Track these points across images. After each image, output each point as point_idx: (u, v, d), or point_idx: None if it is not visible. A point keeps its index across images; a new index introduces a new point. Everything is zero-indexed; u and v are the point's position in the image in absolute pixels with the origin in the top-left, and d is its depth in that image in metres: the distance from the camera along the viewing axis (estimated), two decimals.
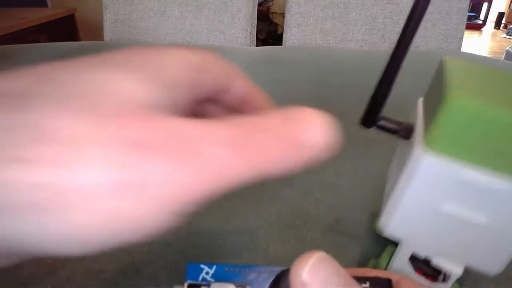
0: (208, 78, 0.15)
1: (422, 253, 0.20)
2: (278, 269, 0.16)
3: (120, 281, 0.25)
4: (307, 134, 0.13)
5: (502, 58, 2.60)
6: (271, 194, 0.34)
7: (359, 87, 0.61)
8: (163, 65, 0.13)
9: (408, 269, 0.21)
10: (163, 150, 0.10)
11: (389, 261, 0.22)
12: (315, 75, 0.66)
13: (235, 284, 0.16)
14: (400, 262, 0.21)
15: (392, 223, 0.19)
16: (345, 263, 0.26)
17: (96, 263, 0.26)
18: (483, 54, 3.75)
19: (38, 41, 1.62)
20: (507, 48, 2.79)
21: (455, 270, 0.19)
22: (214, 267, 0.17)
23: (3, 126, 0.09)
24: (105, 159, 0.10)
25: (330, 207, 0.32)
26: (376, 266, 0.24)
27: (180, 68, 0.13)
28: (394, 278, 0.16)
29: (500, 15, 4.90)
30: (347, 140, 0.48)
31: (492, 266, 0.20)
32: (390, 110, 0.57)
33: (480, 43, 4.32)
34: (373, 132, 0.49)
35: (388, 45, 0.95)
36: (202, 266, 0.17)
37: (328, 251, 0.27)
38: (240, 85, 0.18)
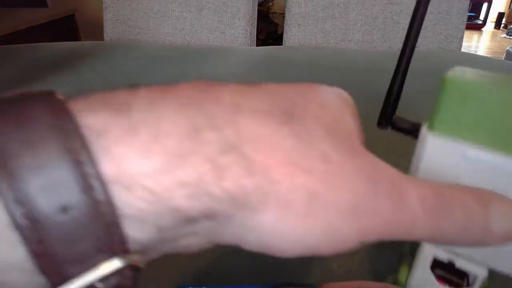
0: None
1: (444, 256, 0.19)
2: (270, 285, 0.15)
3: None
4: (496, 222, 0.13)
5: (502, 58, 2.60)
6: None
7: (359, 87, 0.61)
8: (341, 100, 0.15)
9: (431, 278, 0.19)
10: (382, 186, 0.12)
11: (408, 274, 0.21)
12: (315, 75, 0.66)
13: None
14: (422, 271, 0.19)
15: None
16: (346, 266, 0.26)
17: None
18: (483, 54, 3.75)
19: (38, 41, 1.62)
20: (507, 48, 2.79)
21: (480, 271, 0.18)
22: None
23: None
24: (354, 185, 0.12)
25: None
26: (395, 282, 0.22)
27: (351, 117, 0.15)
28: None
29: (500, 15, 4.90)
30: None
31: None
32: None
33: (480, 43, 4.32)
34: (373, 132, 0.49)
35: (388, 45, 0.95)
36: None
37: (335, 258, 0.27)
38: None
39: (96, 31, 1.37)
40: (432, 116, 0.18)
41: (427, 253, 0.19)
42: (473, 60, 0.82)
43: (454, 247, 0.18)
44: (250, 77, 0.64)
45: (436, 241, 0.13)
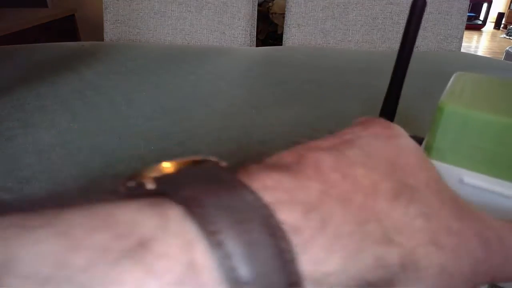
0: None
1: None
2: None
3: None
4: None
5: (502, 59, 2.60)
6: None
7: (359, 87, 0.61)
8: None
9: None
10: (493, 244, 0.13)
11: None
12: (315, 75, 0.66)
13: None
14: None
15: None
16: None
17: None
18: (483, 55, 3.75)
19: (38, 41, 1.62)
20: (507, 48, 2.79)
21: None
22: None
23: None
24: (474, 253, 0.13)
25: None
26: None
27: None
28: None
29: (500, 16, 4.90)
30: None
31: None
32: None
33: (480, 44, 4.32)
34: None
35: (388, 45, 0.95)
36: None
37: None
38: None
39: (96, 31, 1.37)
40: (428, 141, 0.18)
41: None
42: (473, 61, 0.82)
43: None
44: (250, 77, 0.64)
45: None
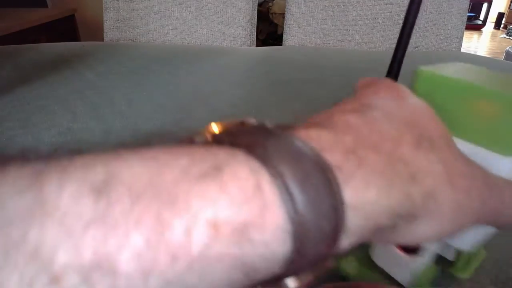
0: None
1: None
2: None
3: None
4: None
5: (502, 59, 2.60)
6: None
7: None
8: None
9: (391, 247, 0.23)
10: (495, 190, 0.16)
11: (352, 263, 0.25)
12: (315, 75, 0.66)
13: None
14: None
15: (471, 239, 0.20)
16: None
17: None
18: (483, 55, 3.75)
19: (38, 41, 1.62)
20: (507, 48, 2.79)
21: (430, 245, 0.22)
22: None
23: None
24: (481, 194, 0.16)
25: None
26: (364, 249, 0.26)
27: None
28: None
29: (500, 16, 4.90)
30: None
31: (467, 243, 0.21)
32: None
33: (480, 43, 4.32)
34: None
35: (388, 45, 0.95)
36: None
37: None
38: None
39: (96, 31, 1.37)
40: None
41: None
42: (473, 61, 0.82)
43: None
44: (250, 77, 0.64)
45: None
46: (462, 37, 0.95)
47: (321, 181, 0.11)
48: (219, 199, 0.10)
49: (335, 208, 0.11)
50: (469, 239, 0.20)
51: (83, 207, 0.09)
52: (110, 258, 0.09)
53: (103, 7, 1.00)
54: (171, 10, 0.98)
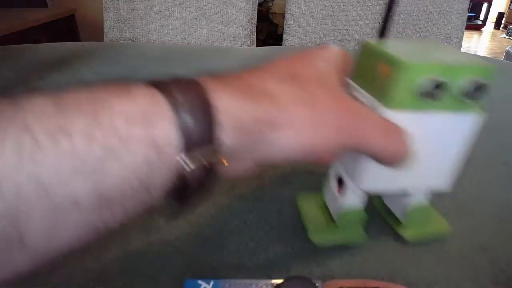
0: (347, 67, 0.25)
1: (340, 174, 0.28)
2: (272, 282, 0.15)
3: (120, 281, 0.25)
4: (399, 144, 0.22)
5: (502, 59, 2.60)
6: (271, 194, 0.34)
7: None
8: (332, 64, 0.23)
9: (332, 185, 0.29)
10: (352, 112, 0.21)
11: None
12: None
13: None
14: (330, 183, 0.29)
15: (367, 179, 0.25)
16: (348, 265, 0.26)
17: (96, 263, 0.26)
18: (483, 54, 3.75)
19: (38, 41, 1.61)
20: (507, 48, 2.79)
21: (354, 187, 0.26)
22: (212, 283, 0.16)
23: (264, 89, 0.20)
24: (336, 112, 0.20)
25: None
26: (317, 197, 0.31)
27: (338, 65, 0.24)
28: None
29: (500, 16, 4.90)
30: None
31: (444, 183, 0.27)
32: None
33: (480, 43, 4.32)
34: None
35: None
36: (200, 282, 0.17)
37: (327, 252, 0.27)
38: None
39: (96, 31, 1.37)
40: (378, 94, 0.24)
41: (333, 171, 0.29)
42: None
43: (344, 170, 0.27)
44: None
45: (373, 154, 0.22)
46: (462, 37, 0.95)
47: (199, 95, 0.17)
48: (132, 103, 0.16)
49: (208, 109, 0.17)
50: (368, 180, 0.25)
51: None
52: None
53: (103, 7, 1.00)
54: (171, 10, 0.98)
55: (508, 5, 4.88)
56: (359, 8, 0.95)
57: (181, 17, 0.98)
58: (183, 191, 0.17)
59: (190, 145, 0.16)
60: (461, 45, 0.96)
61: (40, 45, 0.84)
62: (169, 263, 0.26)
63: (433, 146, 0.25)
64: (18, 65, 0.68)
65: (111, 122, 0.15)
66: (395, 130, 0.22)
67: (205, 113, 0.17)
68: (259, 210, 0.31)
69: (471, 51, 3.77)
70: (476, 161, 0.40)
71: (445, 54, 0.24)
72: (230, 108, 0.17)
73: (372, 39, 0.25)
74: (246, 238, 0.28)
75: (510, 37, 4.33)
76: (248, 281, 0.16)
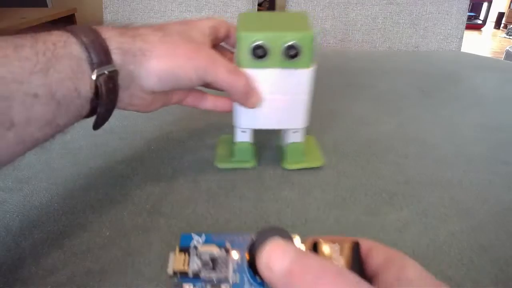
0: (221, 31, 0.34)
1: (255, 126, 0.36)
2: (252, 234, 0.18)
3: (120, 281, 0.25)
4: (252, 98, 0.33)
5: (502, 58, 2.60)
6: (271, 194, 0.34)
7: (359, 87, 0.61)
8: (202, 27, 0.32)
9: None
10: (204, 52, 0.30)
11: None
12: (315, 75, 0.66)
13: (218, 247, 0.19)
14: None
15: (240, 120, 0.35)
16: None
17: (96, 263, 0.26)
18: (483, 54, 3.74)
19: None
20: (507, 48, 2.79)
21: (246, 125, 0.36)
22: (203, 236, 0.20)
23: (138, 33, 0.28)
24: (190, 49, 0.29)
25: (330, 207, 0.32)
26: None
27: (207, 28, 0.33)
28: (365, 244, 0.18)
29: (500, 15, 4.89)
30: (348, 139, 0.48)
31: (299, 123, 0.35)
32: (391, 106, 0.57)
33: (480, 43, 4.32)
34: (373, 132, 0.49)
35: (388, 45, 0.95)
36: (193, 235, 0.20)
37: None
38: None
39: None
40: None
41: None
42: (473, 60, 0.82)
43: None
44: None
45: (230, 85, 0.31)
46: (462, 37, 0.95)
47: (96, 36, 0.25)
48: (56, 38, 0.24)
49: (101, 40, 0.25)
50: (241, 121, 0.35)
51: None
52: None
53: (103, 7, 1.00)
54: (171, 10, 0.98)
55: (508, 5, 4.88)
56: (359, 8, 0.95)
57: (181, 16, 0.98)
58: (98, 101, 0.25)
59: (95, 62, 0.24)
60: (461, 45, 0.96)
61: None
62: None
63: (281, 94, 0.33)
64: None
65: (46, 45, 0.23)
66: (237, 71, 0.31)
67: (99, 42, 0.25)
68: (259, 210, 0.31)
69: (471, 51, 3.77)
70: (476, 161, 0.40)
71: (287, 25, 0.32)
72: (114, 39, 0.26)
73: (247, 12, 0.30)
74: None
75: (510, 37, 4.33)
76: (235, 234, 0.20)
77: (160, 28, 0.30)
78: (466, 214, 0.31)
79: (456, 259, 0.27)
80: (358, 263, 0.17)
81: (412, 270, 0.16)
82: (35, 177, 0.35)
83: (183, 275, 0.18)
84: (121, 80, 0.26)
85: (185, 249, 0.19)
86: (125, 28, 0.28)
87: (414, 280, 0.15)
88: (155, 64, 0.27)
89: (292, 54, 0.30)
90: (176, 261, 0.19)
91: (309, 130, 0.45)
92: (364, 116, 0.49)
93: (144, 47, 0.27)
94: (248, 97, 0.32)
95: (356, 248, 0.17)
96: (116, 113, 0.28)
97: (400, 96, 0.57)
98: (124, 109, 0.30)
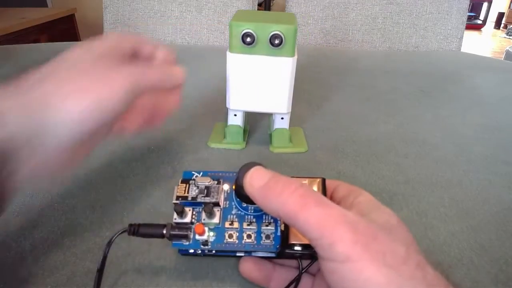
0: (125, 46, 0.29)
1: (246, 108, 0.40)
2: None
3: (120, 281, 0.25)
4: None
5: (502, 58, 2.60)
6: None
7: (359, 87, 0.61)
8: (103, 44, 0.27)
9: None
10: (118, 71, 0.25)
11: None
12: (315, 75, 0.66)
13: (212, 179, 0.24)
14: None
15: (230, 101, 0.39)
16: None
17: (96, 263, 0.26)
18: (483, 54, 3.74)
19: (38, 41, 1.62)
20: (507, 48, 2.79)
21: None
22: (201, 172, 0.24)
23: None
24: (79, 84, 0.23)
25: None
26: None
27: (108, 43, 0.28)
28: (334, 183, 0.23)
29: (500, 15, 4.89)
30: (347, 139, 0.48)
31: (282, 108, 0.39)
32: (391, 106, 0.57)
33: (480, 43, 4.32)
34: (373, 132, 0.49)
35: (388, 45, 0.95)
36: (193, 172, 0.24)
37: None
38: (147, 47, 0.31)
39: (96, 31, 1.37)
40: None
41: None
42: (473, 60, 0.82)
43: None
44: None
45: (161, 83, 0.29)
46: (462, 37, 0.95)
47: None
48: None
49: None
50: (232, 102, 0.39)
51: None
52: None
53: (103, 7, 1.00)
54: (171, 10, 0.98)
55: (508, 5, 4.88)
56: (359, 8, 0.95)
57: (181, 17, 0.98)
58: None
59: None
60: (461, 45, 0.96)
61: (40, 45, 0.84)
62: (168, 262, 0.26)
63: (267, 80, 0.37)
64: (18, 65, 0.67)
65: None
66: (163, 66, 0.31)
67: None
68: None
69: (471, 51, 3.77)
70: (476, 161, 0.40)
71: (275, 19, 0.35)
72: (8, 109, 0.21)
73: (245, 10, 0.31)
74: None
75: (510, 37, 4.33)
76: (226, 171, 0.24)
77: (60, 61, 0.25)
78: (466, 214, 0.31)
79: (456, 259, 0.27)
80: (323, 194, 0.22)
81: (363, 197, 0.21)
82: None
83: (184, 200, 0.23)
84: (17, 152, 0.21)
85: (186, 181, 0.24)
86: (23, 80, 0.23)
87: (362, 203, 0.20)
88: (69, 106, 0.22)
89: (276, 43, 0.34)
90: (178, 190, 0.23)
91: (310, 130, 0.45)
92: (364, 116, 0.49)
93: (49, 90, 0.22)
94: (175, 78, 0.33)
95: (323, 183, 0.22)
96: None
97: (400, 96, 0.57)
98: (29, 184, 0.24)
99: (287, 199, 0.18)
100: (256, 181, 0.20)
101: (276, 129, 0.41)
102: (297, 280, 0.21)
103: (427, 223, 0.30)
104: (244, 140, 0.42)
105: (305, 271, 0.22)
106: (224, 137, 0.42)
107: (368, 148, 0.41)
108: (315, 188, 0.22)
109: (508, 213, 0.32)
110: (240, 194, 0.22)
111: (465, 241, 0.28)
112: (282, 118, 0.40)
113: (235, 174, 0.23)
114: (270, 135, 0.42)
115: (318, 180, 0.23)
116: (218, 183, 0.23)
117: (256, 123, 0.47)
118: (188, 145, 0.41)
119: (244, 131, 0.42)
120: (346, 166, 0.38)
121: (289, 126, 0.41)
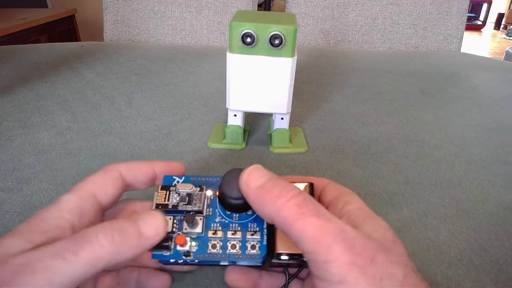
0: (102, 200, 0.21)
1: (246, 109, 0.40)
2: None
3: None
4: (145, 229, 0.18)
5: (502, 59, 2.60)
6: None
7: (359, 87, 0.61)
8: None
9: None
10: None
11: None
12: (315, 75, 0.66)
13: (194, 185, 0.22)
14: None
15: (230, 102, 0.39)
16: None
17: None
18: (483, 55, 3.74)
19: (38, 41, 1.62)
20: (507, 48, 2.79)
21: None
22: (183, 177, 0.22)
23: None
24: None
25: None
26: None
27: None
28: (322, 183, 0.22)
29: (500, 16, 4.90)
30: (347, 140, 0.48)
31: (282, 109, 0.39)
32: (391, 106, 0.57)
33: (480, 44, 4.32)
34: (372, 133, 0.49)
35: (387, 45, 0.95)
36: (175, 177, 0.22)
37: None
38: (141, 176, 0.23)
39: (96, 31, 1.37)
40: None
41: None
42: (473, 61, 0.82)
43: None
44: None
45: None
46: (462, 37, 0.95)
47: None
48: None
49: None
50: (233, 102, 0.38)
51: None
52: None
53: (103, 7, 1.00)
54: (171, 10, 0.98)
55: (508, 6, 4.88)
56: (359, 9, 0.95)
57: (181, 17, 0.98)
58: None
59: None
60: (461, 45, 0.96)
61: (40, 45, 0.84)
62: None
63: (267, 80, 0.37)
64: (18, 65, 0.67)
65: None
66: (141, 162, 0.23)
67: None
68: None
69: (471, 51, 3.77)
70: (476, 161, 0.40)
71: (275, 20, 0.35)
72: None
73: (245, 10, 0.32)
74: None
75: (510, 38, 4.33)
76: (209, 176, 0.23)
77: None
78: (466, 214, 0.31)
79: (456, 259, 0.27)
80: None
81: (354, 205, 0.19)
82: (35, 178, 0.35)
83: (164, 208, 0.21)
84: None
85: (166, 188, 0.22)
86: None
87: (354, 212, 0.19)
88: None
89: (276, 43, 0.34)
90: (158, 197, 0.21)
91: (310, 130, 0.45)
92: (364, 116, 0.49)
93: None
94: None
95: (310, 187, 0.22)
96: (116, 113, 0.28)
97: (400, 96, 0.57)
98: None
99: (283, 206, 0.17)
100: (253, 180, 0.18)
101: (276, 129, 0.41)
102: None
103: (427, 223, 0.30)
104: (244, 140, 0.42)
105: (292, 280, 0.21)
106: (224, 137, 0.42)
107: (368, 148, 0.41)
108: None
109: (508, 213, 0.32)
110: (224, 202, 0.21)
111: (465, 241, 0.28)
112: (282, 119, 0.40)
113: (219, 179, 0.22)
114: (270, 135, 0.42)
115: (307, 185, 0.22)
116: (201, 189, 0.22)
117: (256, 123, 0.47)
118: (188, 145, 0.41)
119: (244, 131, 0.42)
120: (346, 166, 0.38)
121: (289, 126, 0.41)
